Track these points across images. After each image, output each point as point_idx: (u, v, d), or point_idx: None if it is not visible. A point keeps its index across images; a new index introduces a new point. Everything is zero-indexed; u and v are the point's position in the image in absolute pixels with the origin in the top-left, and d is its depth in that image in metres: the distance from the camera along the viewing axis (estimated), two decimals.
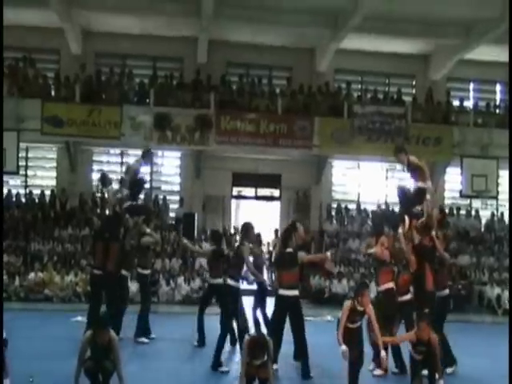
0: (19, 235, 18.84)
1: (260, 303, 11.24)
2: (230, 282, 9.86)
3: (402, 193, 10.34)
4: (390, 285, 9.74)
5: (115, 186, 12.26)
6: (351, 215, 22.12)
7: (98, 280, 10.83)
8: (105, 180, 12.02)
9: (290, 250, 9.23)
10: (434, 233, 9.73)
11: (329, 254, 10.90)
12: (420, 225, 9.71)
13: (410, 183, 10.37)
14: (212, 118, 20.42)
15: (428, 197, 9.99)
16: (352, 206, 22.60)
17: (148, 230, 11.55)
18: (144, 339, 11.25)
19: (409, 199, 10.08)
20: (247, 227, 10.28)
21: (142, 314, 11.48)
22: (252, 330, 10.17)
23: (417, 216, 9.83)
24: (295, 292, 9.11)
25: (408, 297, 9.64)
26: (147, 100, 20.89)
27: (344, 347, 7.84)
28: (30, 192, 21.15)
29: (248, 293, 11.90)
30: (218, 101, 20.80)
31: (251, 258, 10.68)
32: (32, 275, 17.03)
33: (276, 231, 19.63)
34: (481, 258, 20.32)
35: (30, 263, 17.74)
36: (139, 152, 21.77)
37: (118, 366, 7.45)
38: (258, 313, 11.34)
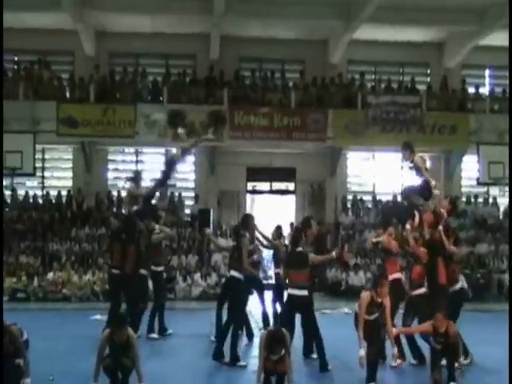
0: (37, 236, 19.05)
1: (277, 297, 11.27)
2: (233, 273, 9.82)
3: (410, 189, 10.30)
4: (397, 275, 9.69)
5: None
6: (367, 206, 22.04)
7: (116, 279, 10.90)
8: (137, 178, 12.00)
9: (300, 249, 9.22)
10: (441, 227, 9.64)
11: (346, 247, 10.86)
12: (429, 220, 9.65)
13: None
14: (225, 113, 20.40)
15: (436, 192, 9.93)
16: (367, 198, 22.52)
17: (157, 227, 11.59)
18: (154, 335, 11.34)
19: (416, 194, 10.02)
20: (247, 218, 10.34)
21: (154, 310, 11.57)
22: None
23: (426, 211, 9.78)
24: (304, 292, 9.04)
25: (422, 290, 9.52)
26: (161, 98, 20.98)
27: (362, 352, 7.82)
28: (47, 193, 21.34)
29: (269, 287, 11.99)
30: (231, 96, 20.86)
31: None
32: (50, 275, 17.20)
33: (291, 225, 19.59)
34: (499, 246, 20.13)
35: (49, 263, 17.92)
36: (154, 150, 22.37)
37: (137, 364, 7.51)
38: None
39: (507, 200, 22.41)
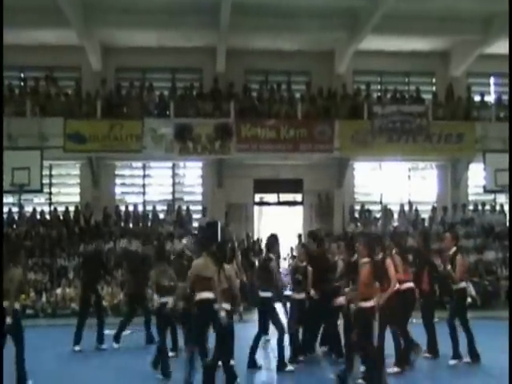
0: (45, 252, 19.03)
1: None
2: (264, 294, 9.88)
3: None
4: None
5: None
6: (375, 216, 22.03)
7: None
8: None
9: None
10: None
11: None
12: None
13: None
14: (232, 126, 20.56)
15: None
16: (375, 207, 22.52)
17: None
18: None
19: None
20: (274, 240, 10.37)
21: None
22: None
23: None
24: None
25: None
26: (167, 112, 21.11)
27: None
28: (55, 209, 21.33)
29: None
30: (237, 109, 20.97)
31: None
32: (59, 291, 17.24)
33: (299, 236, 19.66)
34: (507, 253, 20.04)
35: (57, 279, 17.96)
36: (161, 164, 22.49)
37: None
38: None
39: None
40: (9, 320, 8.27)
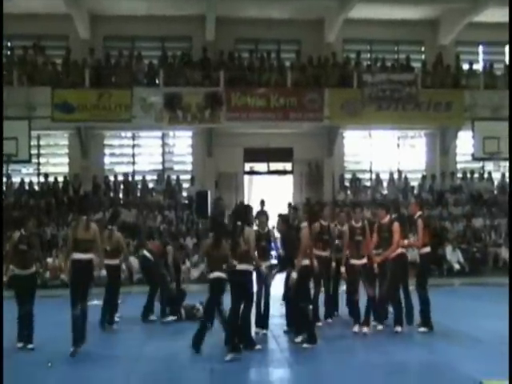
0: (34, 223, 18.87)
1: None
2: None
3: None
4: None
5: None
6: (364, 185, 22.15)
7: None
8: None
9: None
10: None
11: None
12: None
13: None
14: (222, 95, 20.48)
15: None
16: (365, 176, 22.63)
17: None
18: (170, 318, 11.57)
19: None
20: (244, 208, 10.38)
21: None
22: None
23: None
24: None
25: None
26: (157, 81, 20.99)
27: None
28: (44, 179, 21.29)
29: None
30: (227, 78, 20.83)
31: None
32: (49, 261, 17.17)
33: (290, 205, 19.74)
34: (495, 220, 20.31)
35: (47, 250, 17.90)
36: (150, 133, 22.43)
37: None
38: None
39: (501, 175, 22.66)
40: None
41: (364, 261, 10.29)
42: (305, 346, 9.26)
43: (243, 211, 9.89)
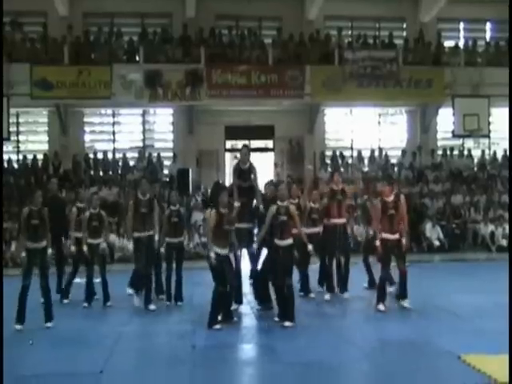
0: (14, 201, 18.77)
1: None
2: None
3: None
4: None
5: None
6: (346, 162, 22.22)
7: None
8: None
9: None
10: None
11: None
12: None
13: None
14: (203, 72, 20.35)
15: None
16: (346, 153, 22.68)
17: None
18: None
19: None
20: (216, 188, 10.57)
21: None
22: None
23: None
24: None
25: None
26: (137, 58, 20.82)
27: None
28: (23, 157, 21.07)
29: None
30: (208, 55, 20.68)
31: None
32: None
33: (271, 182, 19.70)
34: (474, 197, 20.50)
35: None
36: (130, 111, 22.27)
37: None
38: None
39: (481, 152, 22.85)
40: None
41: (397, 236, 10.24)
42: (286, 324, 9.22)
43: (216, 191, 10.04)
